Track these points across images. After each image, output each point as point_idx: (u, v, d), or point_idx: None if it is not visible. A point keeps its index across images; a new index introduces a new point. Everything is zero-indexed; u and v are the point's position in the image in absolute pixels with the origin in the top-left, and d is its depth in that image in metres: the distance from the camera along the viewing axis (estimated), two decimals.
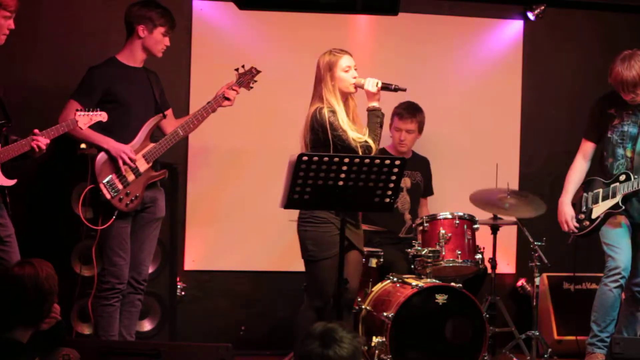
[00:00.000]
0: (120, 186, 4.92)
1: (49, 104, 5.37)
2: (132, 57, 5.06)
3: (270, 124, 6.13)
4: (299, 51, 6.11)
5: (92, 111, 4.73)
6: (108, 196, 4.88)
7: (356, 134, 4.72)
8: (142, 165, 5.00)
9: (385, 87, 4.81)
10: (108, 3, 5.80)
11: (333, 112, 4.73)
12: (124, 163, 4.90)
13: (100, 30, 5.83)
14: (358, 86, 4.81)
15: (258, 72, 5.26)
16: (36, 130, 4.53)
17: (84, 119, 4.70)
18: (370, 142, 4.73)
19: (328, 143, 4.68)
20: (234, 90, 5.17)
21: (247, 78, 5.23)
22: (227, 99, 5.16)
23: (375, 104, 4.80)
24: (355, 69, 4.84)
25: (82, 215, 4.93)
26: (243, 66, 5.24)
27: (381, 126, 4.81)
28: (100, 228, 4.91)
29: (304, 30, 6.14)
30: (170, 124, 5.17)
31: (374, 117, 4.79)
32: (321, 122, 4.70)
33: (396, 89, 4.83)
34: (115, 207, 4.90)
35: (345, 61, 4.81)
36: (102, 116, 4.76)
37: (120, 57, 5.07)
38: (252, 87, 5.27)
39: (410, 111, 5.98)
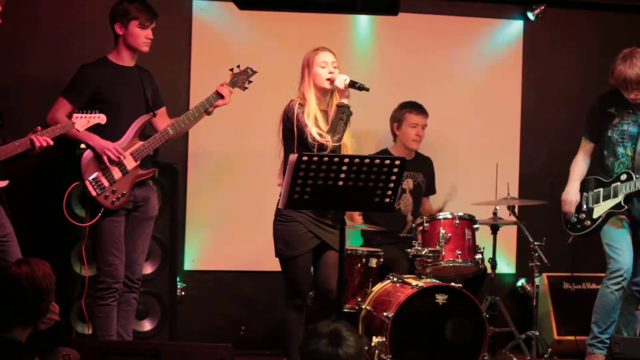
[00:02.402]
0: (106, 183, 4.90)
1: (47, 103, 5.36)
2: (120, 57, 5.06)
3: (271, 124, 6.10)
4: (299, 51, 6.07)
5: (90, 113, 4.73)
6: (93, 193, 4.87)
7: (317, 129, 4.76)
8: (130, 163, 4.98)
9: (352, 85, 4.83)
10: (107, 2, 5.79)
11: (302, 105, 4.82)
12: (109, 160, 4.89)
13: (98, 29, 5.80)
14: (331, 81, 4.84)
15: (254, 72, 5.21)
16: (39, 128, 4.54)
17: (82, 121, 4.71)
18: (328, 138, 4.74)
19: (293, 134, 4.79)
20: (227, 87, 5.13)
21: (242, 78, 5.20)
22: (221, 96, 5.11)
23: (344, 100, 4.84)
24: (335, 67, 4.87)
25: (66, 212, 4.92)
26: (238, 66, 5.20)
27: (345, 123, 4.80)
28: (86, 225, 4.91)
29: (304, 30, 6.13)
30: (164, 122, 5.15)
31: (339, 113, 4.80)
32: (288, 113, 4.84)
33: (360, 88, 4.83)
34: (101, 204, 4.89)
35: (322, 57, 4.88)
36: (100, 118, 4.76)
37: (111, 57, 5.07)
38: (247, 88, 5.23)
39: (421, 107, 6.01)
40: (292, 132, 4.81)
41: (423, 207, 6.13)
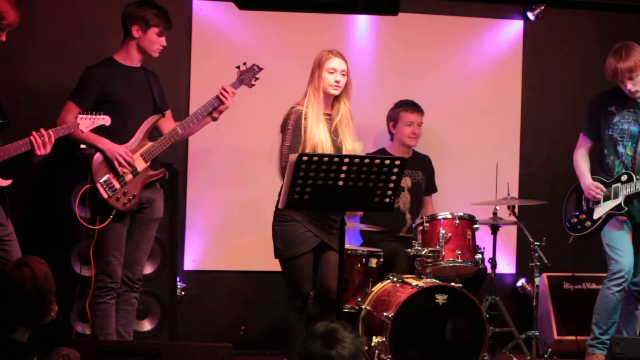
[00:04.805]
0: (117, 185, 4.90)
1: (47, 104, 5.37)
2: (129, 57, 5.05)
3: (271, 124, 6.09)
4: (299, 51, 6.10)
5: (95, 114, 4.71)
6: (105, 195, 4.87)
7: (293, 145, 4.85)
8: (140, 164, 4.98)
9: None
10: (107, 3, 5.80)
11: (299, 114, 4.88)
12: (120, 164, 4.89)
13: (99, 30, 5.82)
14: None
15: (260, 69, 5.22)
16: (42, 130, 4.52)
17: (86, 122, 4.68)
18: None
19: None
20: (227, 91, 5.11)
21: (248, 76, 5.21)
22: (222, 102, 5.11)
23: None
24: (344, 75, 4.88)
25: (78, 214, 4.91)
26: (245, 63, 5.21)
27: None
28: (97, 227, 4.90)
29: (304, 30, 6.14)
30: (169, 124, 5.15)
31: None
32: (284, 118, 4.96)
33: None
34: (113, 207, 4.89)
35: (332, 63, 4.89)
36: (105, 120, 4.73)
37: (118, 57, 5.06)
38: (253, 85, 5.25)
39: (416, 105, 6.01)
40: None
41: (425, 208, 6.13)
